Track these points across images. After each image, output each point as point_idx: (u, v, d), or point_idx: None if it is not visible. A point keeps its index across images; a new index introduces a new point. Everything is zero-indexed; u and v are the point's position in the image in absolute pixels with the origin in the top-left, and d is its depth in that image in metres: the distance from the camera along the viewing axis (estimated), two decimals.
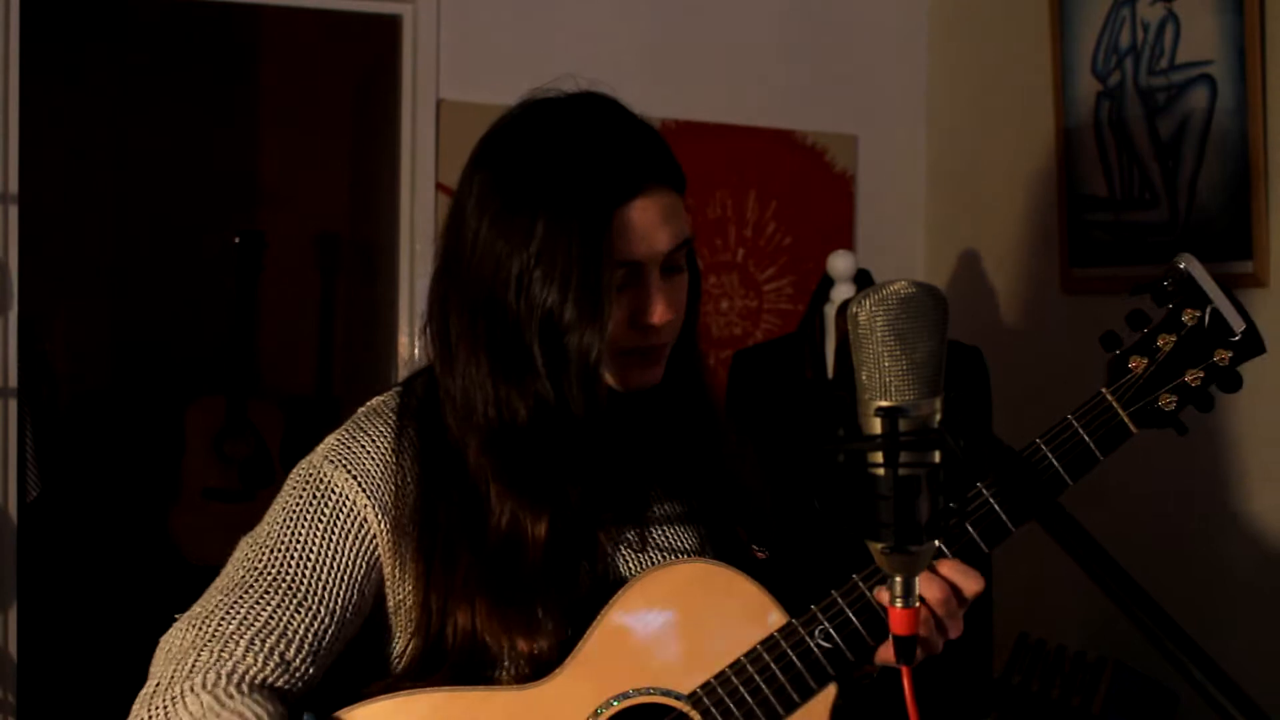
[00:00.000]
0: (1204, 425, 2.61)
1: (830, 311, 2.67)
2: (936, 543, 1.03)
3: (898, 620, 1.03)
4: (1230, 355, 1.15)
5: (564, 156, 1.25)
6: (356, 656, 1.30)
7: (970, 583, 1.26)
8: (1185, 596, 2.53)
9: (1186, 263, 1.16)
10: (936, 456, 1.00)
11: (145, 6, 4.71)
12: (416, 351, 3.24)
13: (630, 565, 1.31)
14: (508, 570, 1.23)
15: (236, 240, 4.61)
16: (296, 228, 4.92)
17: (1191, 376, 1.16)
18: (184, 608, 1.30)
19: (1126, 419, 1.17)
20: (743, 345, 3.20)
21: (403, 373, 3.36)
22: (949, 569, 1.26)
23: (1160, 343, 1.16)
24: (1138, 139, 2.75)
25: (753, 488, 1.43)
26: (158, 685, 1.20)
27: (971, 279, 3.33)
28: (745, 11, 3.41)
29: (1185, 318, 1.15)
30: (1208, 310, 1.15)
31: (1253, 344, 1.16)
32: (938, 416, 0.99)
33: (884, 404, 0.98)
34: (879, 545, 1.01)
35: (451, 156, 3.18)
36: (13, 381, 2.91)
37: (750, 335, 3.41)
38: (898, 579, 1.03)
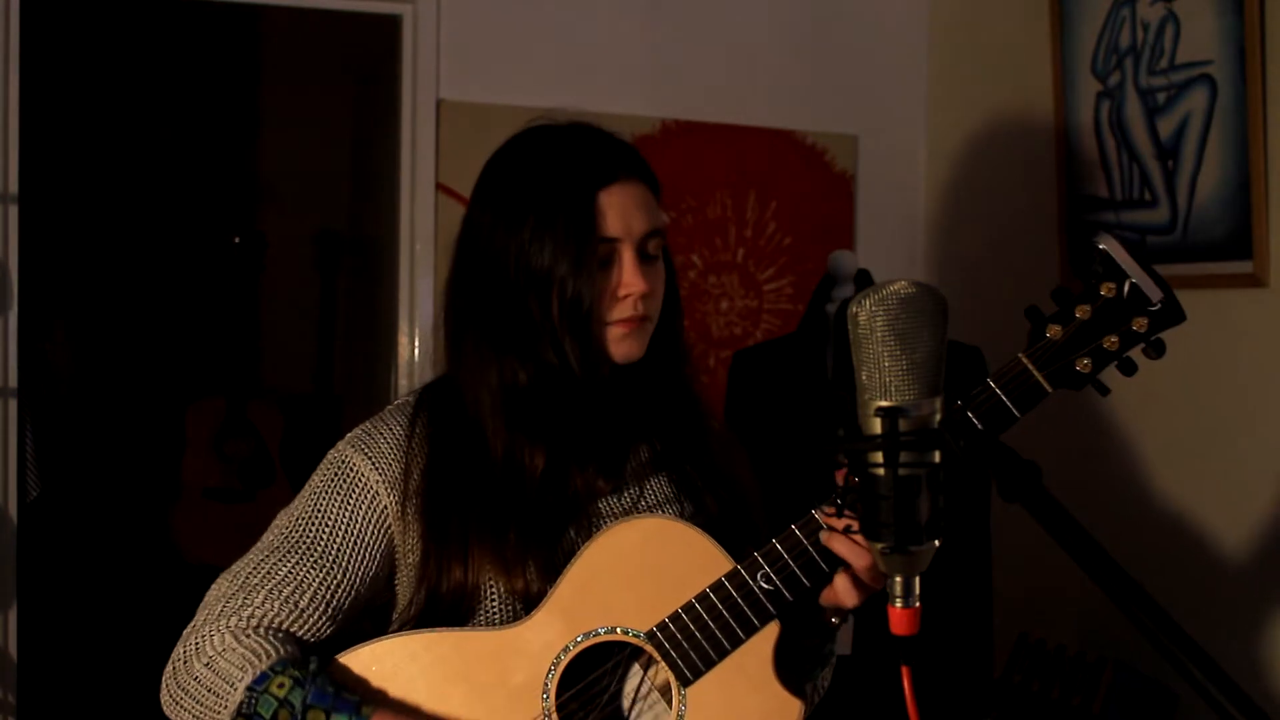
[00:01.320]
0: (1203, 425, 2.62)
1: (831, 311, 2.67)
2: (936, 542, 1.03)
3: (897, 620, 1.03)
4: (1148, 322, 1.25)
5: (552, 156, 1.46)
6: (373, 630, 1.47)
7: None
8: (1184, 596, 2.53)
9: (1105, 243, 1.27)
10: (936, 456, 1.00)
11: (145, 6, 4.71)
12: (416, 352, 3.25)
13: (608, 520, 1.45)
14: (502, 508, 1.40)
15: (236, 240, 4.62)
16: (296, 228, 4.92)
17: (1108, 342, 1.26)
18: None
19: (1042, 379, 1.26)
20: (743, 345, 3.20)
21: (403, 372, 3.37)
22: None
23: (1078, 313, 1.26)
24: (1138, 139, 2.75)
25: (743, 479, 1.57)
26: (194, 626, 1.41)
27: (971, 279, 3.33)
28: (745, 11, 3.41)
29: (1103, 290, 1.26)
30: (1126, 284, 1.25)
31: (1172, 313, 1.26)
32: (938, 416, 0.99)
33: (884, 404, 0.98)
34: (879, 545, 1.01)
35: (451, 156, 3.18)
36: (13, 381, 2.91)
37: (750, 335, 3.41)
38: (897, 579, 1.03)
